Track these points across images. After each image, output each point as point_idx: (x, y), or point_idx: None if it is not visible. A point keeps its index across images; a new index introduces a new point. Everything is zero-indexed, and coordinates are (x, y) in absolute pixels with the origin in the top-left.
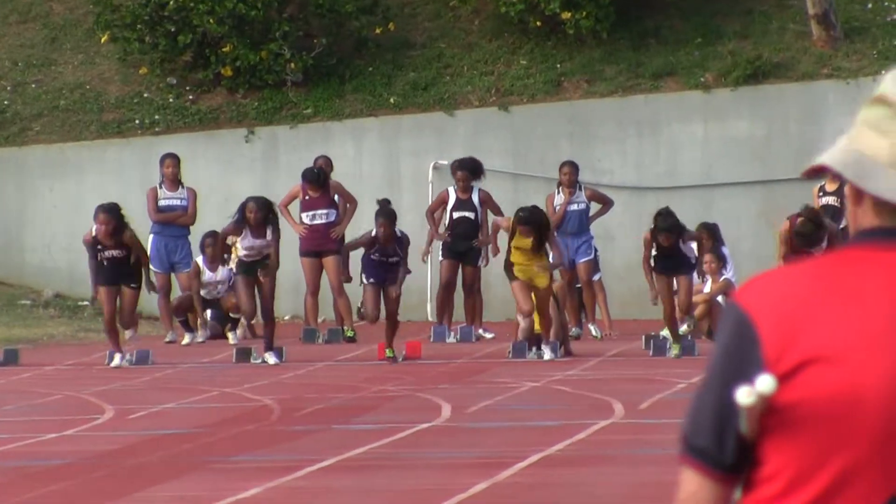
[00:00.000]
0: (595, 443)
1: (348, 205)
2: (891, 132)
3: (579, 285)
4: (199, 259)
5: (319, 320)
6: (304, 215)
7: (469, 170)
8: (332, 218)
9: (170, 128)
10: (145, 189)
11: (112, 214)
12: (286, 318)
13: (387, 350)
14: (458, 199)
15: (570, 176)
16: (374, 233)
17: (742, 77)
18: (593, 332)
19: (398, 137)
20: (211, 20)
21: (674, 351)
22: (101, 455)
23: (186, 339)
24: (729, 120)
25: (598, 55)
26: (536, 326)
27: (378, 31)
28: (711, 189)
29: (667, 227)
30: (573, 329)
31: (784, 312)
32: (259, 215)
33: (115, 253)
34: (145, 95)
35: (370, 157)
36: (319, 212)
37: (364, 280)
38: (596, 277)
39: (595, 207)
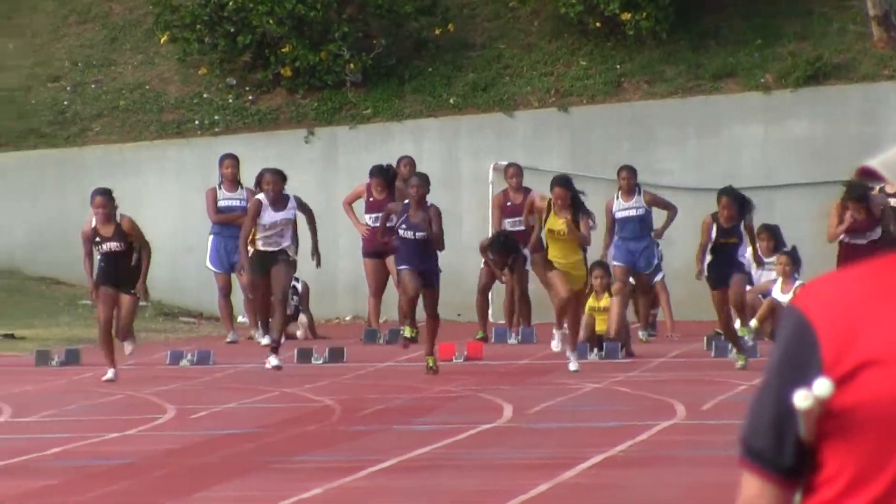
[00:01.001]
0: (656, 444)
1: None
2: None
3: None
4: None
5: (381, 321)
6: (367, 216)
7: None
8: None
9: (229, 128)
10: (205, 189)
11: (108, 197)
12: (347, 318)
13: (427, 358)
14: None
15: (628, 181)
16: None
17: (802, 78)
18: (640, 336)
19: (457, 138)
20: (270, 21)
21: (739, 362)
22: (162, 455)
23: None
24: (789, 121)
25: (658, 56)
26: (599, 327)
27: (437, 31)
28: (772, 190)
29: (730, 191)
30: (642, 332)
31: (842, 316)
32: (278, 186)
33: (113, 246)
34: (205, 96)
35: (429, 158)
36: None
37: (397, 269)
38: (658, 278)
39: (657, 213)
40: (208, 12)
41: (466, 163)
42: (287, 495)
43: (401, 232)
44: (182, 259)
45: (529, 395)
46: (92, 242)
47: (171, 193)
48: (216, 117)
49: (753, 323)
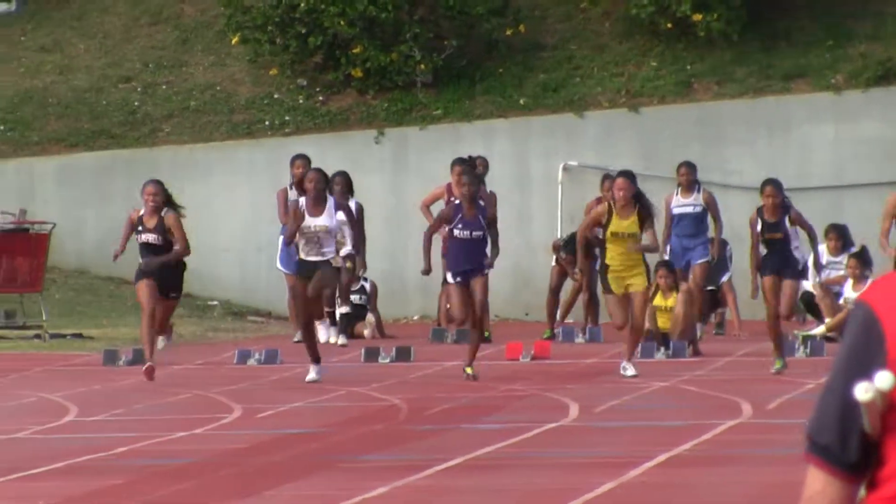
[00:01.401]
0: (723, 443)
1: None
2: None
3: (711, 288)
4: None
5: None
6: None
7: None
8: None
9: (299, 129)
10: (275, 190)
11: (160, 188)
12: (415, 317)
13: (465, 368)
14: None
15: (687, 176)
16: (456, 201)
17: (873, 78)
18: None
19: (528, 139)
20: (341, 22)
21: (776, 365)
22: (229, 454)
23: (341, 339)
24: (860, 121)
25: (729, 57)
26: (663, 324)
27: (508, 32)
28: (842, 190)
29: (772, 181)
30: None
31: None
32: (319, 186)
33: (151, 238)
34: (275, 96)
35: (500, 159)
36: None
37: (449, 277)
38: (725, 278)
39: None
40: (280, 13)
41: (536, 163)
42: (352, 495)
43: (456, 232)
44: (252, 259)
45: (595, 393)
46: (133, 230)
47: (241, 194)
48: (286, 118)
49: (821, 329)
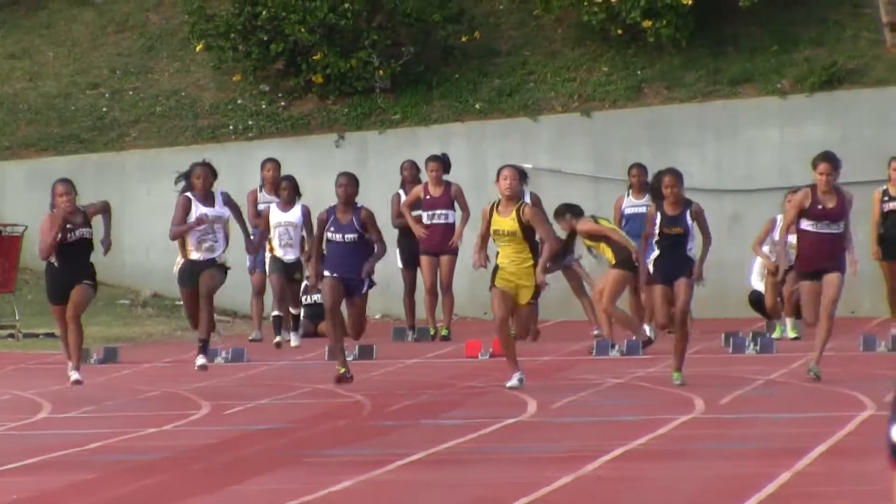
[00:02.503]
0: (676, 437)
1: (462, 213)
2: None
3: None
4: (274, 205)
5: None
6: (424, 213)
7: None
8: (451, 220)
9: (262, 133)
10: (241, 192)
11: (71, 185)
12: (376, 317)
13: (339, 367)
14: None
15: (638, 178)
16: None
17: (817, 83)
18: (648, 332)
19: (484, 142)
20: (302, 29)
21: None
22: (198, 449)
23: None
24: (805, 125)
25: (678, 62)
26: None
27: (464, 39)
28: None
29: (671, 170)
30: (647, 329)
31: None
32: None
33: (85, 232)
34: (239, 102)
35: (457, 162)
36: (439, 211)
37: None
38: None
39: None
40: (242, 21)
41: (493, 166)
42: (318, 488)
43: (328, 235)
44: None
45: (553, 390)
46: (64, 230)
47: None
48: (250, 122)
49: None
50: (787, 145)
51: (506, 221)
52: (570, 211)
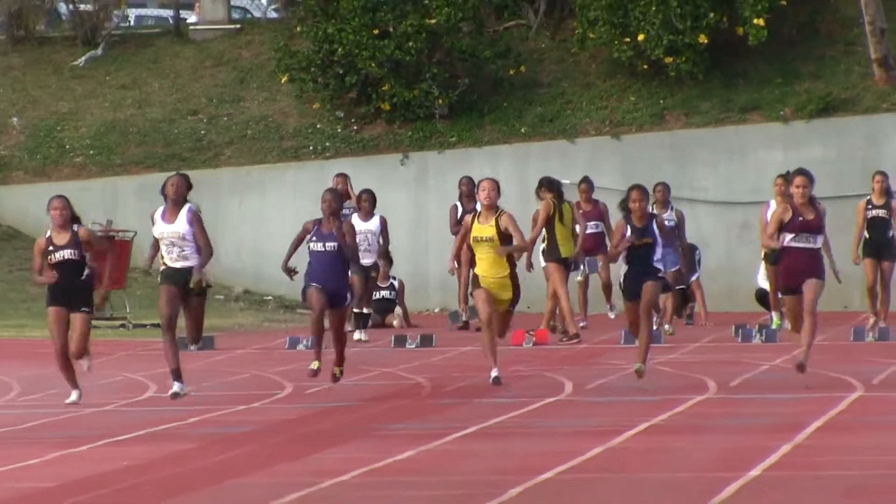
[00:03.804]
0: (692, 414)
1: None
2: None
3: (681, 286)
4: (355, 215)
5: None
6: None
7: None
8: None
9: (337, 153)
10: (317, 204)
11: (67, 201)
12: (435, 310)
13: (335, 368)
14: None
15: (662, 194)
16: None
17: (815, 111)
18: (667, 328)
19: (528, 161)
20: (372, 64)
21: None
22: (281, 424)
23: (358, 335)
24: (804, 147)
25: (695, 93)
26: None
27: (511, 72)
28: None
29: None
30: (668, 326)
31: None
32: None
33: (67, 254)
34: (317, 126)
35: (505, 178)
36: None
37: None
38: (693, 278)
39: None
40: (321, 57)
41: (535, 182)
42: (385, 457)
43: (311, 245)
44: (300, 261)
45: (587, 373)
46: (45, 254)
47: (289, 207)
48: (327, 144)
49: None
50: (790, 164)
51: (485, 229)
52: (546, 185)
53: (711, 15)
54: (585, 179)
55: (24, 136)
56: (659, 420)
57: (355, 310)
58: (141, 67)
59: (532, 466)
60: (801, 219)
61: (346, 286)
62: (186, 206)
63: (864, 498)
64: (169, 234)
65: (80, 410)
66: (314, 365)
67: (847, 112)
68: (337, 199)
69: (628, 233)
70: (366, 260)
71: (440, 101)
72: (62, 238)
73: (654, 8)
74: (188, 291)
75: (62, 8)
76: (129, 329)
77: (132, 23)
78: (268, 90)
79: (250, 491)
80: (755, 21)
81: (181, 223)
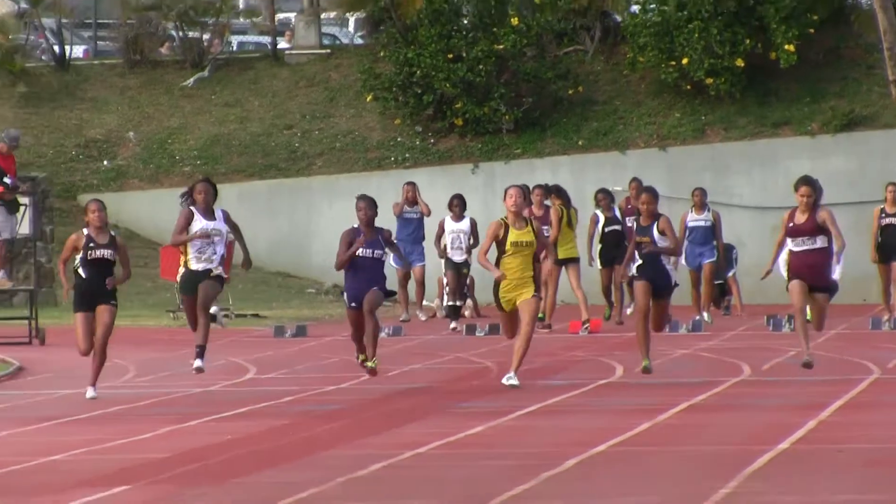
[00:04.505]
0: (728, 395)
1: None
2: None
3: (720, 282)
4: (448, 217)
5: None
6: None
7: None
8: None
9: (416, 163)
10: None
11: (103, 205)
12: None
13: (367, 361)
14: (606, 218)
15: (699, 198)
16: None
17: (839, 126)
18: (706, 318)
19: (585, 170)
20: (447, 84)
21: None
22: (366, 402)
23: (453, 324)
24: (829, 158)
25: (733, 110)
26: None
27: (570, 92)
28: None
29: (647, 188)
30: (707, 317)
31: None
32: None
33: (106, 253)
34: (398, 139)
35: (565, 185)
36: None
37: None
38: (730, 273)
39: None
40: (401, 79)
41: (591, 188)
42: (457, 432)
43: (363, 252)
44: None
45: (635, 358)
46: (76, 252)
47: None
48: (406, 155)
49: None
50: (816, 173)
51: (523, 234)
52: (555, 192)
53: (747, 41)
54: (635, 179)
55: (140, 148)
56: (699, 400)
57: (448, 303)
58: (242, 87)
59: (586, 440)
60: (791, 224)
61: (381, 285)
62: (219, 210)
63: (881, 468)
64: (211, 230)
65: (189, 390)
66: (362, 358)
67: (867, 127)
68: (371, 207)
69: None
70: (456, 257)
71: (507, 117)
72: (102, 238)
73: (696, 35)
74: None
75: (173, 35)
76: (231, 318)
77: (234, 48)
78: (354, 107)
79: (339, 461)
80: (786, 47)
81: (220, 221)
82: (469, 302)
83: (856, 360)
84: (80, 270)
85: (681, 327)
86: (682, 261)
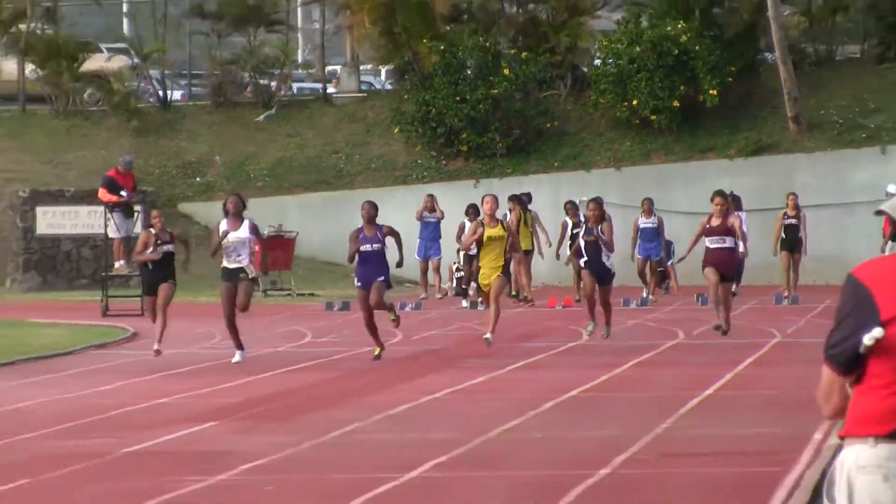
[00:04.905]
0: (668, 354)
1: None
2: None
3: (661, 269)
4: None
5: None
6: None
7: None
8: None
9: (431, 180)
10: (419, 214)
11: (161, 213)
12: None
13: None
14: (573, 223)
15: (647, 206)
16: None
17: (750, 151)
18: (651, 297)
19: (559, 185)
20: (455, 119)
21: (588, 328)
22: (397, 359)
23: (464, 303)
24: (743, 176)
25: (671, 139)
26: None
27: (548, 125)
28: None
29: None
30: (652, 296)
31: (889, 281)
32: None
33: (170, 248)
34: (418, 162)
35: (545, 198)
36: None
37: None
38: (669, 263)
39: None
40: (420, 115)
41: (565, 197)
42: (464, 381)
43: (361, 246)
44: (411, 250)
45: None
46: (151, 246)
47: (400, 215)
48: (424, 173)
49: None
50: (734, 187)
51: (495, 231)
52: (515, 199)
53: (682, 87)
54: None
55: (223, 168)
56: (645, 357)
57: (463, 286)
58: (300, 122)
59: (560, 388)
60: (708, 226)
61: (383, 272)
62: (247, 220)
63: (780, 409)
64: (234, 239)
65: (260, 350)
66: (376, 352)
67: (771, 153)
68: (373, 208)
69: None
70: (472, 252)
71: (500, 144)
72: (164, 236)
73: (643, 83)
74: (239, 280)
75: (249, 82)
76: (293, 297)
77: (294, 92)
78: (385, 138)
79: (375, 403)
80: (711, 92)
81: (244, 231)
82: (473, 285)
83: (763, 328)
84: (149, 262)
85: (632, 303)
86: (637, 253)
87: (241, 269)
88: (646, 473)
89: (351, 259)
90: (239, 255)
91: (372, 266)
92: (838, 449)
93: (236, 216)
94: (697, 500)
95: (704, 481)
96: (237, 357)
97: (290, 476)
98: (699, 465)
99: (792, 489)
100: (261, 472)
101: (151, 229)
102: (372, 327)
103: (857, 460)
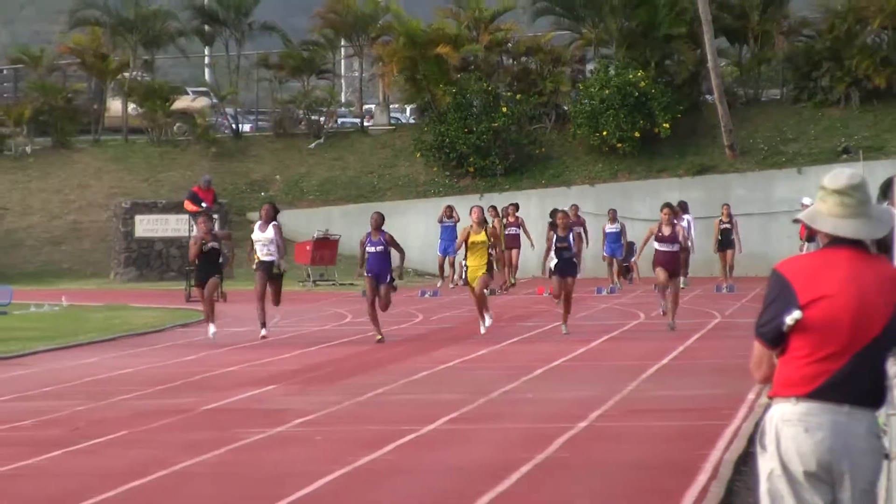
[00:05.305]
0: (632, 331)
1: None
2: (826, 201)
3: (626, 264)
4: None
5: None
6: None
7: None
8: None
9: (446, 194)
10: (437, 222)
11: (209, 217)
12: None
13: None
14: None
15: (613, 215)
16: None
17: (696, 172)
18: (618, 286)
19: (546, 198)
20: (464, 147)
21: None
22: (416, 335)
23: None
24: (690, 191)
25: (634, 162)
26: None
27: (537, 151)
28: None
29: (563, 210)
30: (619, 283)
31: (805, 273)
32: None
33: (214, 245)
34: (435, 180)
35: (534, 210)
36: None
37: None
38: (633, 259)
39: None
40: (437, 143)
41: (548, 208)
42: (471, 353)
43: (367, 248)
44: (429, 249)
45: (576, 310)
46: (200, 243)
47: (422, 223)
48: (440, 189)
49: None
50: (682, 199)
51: (480, 237)
52: (493, 209)
53: (641, 122)
54: (573, 205)
55: (283, 185)
56: (614, 334)
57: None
58: (343, 149)
59: (547, 359)
60: (659, 233)
61: (388, 272)
62: (273, 223)
63: (723, 374)
64: (264, 238)
65: (309, 328)
66: (378, 337)
67: (712, 173)
68: (380, 217)
69: (554, 238)
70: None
71: (499, 166)
72: (209, 238)
73: (611, 118)
74: (273, 275)
75: (303, 117)
76: (336, 286)
77: (338, 125)
78: (409, 161)
79: (400, 371)
80: (664, 125)
81: (270, 232)
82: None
83: (706, 310)
84: (198, 260)
85: (603, 291)
86: (604, 251)
87: (273, 263)
88: (615, 426)
89: (361, 261)
90: (269, 250)
91: (377, 263)
92: (768, 406)
93: (266, 220)
94: (657, 447)
95: (662, 432)
96: (263, 332)
97: (334, 428)
98: (657, 419)
99: (731, 438)
100: (311, 425)
101: (197, 231)
102: (373, 316)
103: (782, 415)
